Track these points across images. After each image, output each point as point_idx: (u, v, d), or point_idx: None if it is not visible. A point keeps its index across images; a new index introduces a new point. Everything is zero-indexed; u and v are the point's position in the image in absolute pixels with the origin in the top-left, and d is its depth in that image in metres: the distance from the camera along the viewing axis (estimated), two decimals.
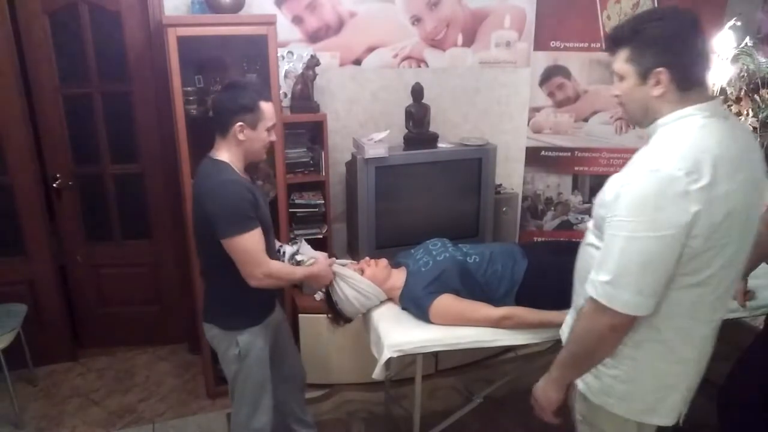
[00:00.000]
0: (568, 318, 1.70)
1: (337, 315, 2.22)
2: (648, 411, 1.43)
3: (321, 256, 2.16)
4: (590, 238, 1.44)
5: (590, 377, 1.45)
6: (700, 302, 1.33)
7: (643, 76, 1.29)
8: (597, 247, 1.37)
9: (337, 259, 2.22)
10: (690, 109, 1.28)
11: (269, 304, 2.03)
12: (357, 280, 2.14)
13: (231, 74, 2.69)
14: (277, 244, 2.14)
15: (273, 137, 1.89)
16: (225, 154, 1.84)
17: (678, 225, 1.20)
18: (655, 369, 1.40)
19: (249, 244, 1.76)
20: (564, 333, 1.69)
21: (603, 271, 1.28)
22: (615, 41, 1.34)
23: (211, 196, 1.77)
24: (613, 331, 1.32)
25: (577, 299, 1.51)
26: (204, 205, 1.78)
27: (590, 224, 1.46)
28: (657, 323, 1.34)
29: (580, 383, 1.48)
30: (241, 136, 1.81)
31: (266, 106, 1.82)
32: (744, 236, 1.32)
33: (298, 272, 1.99)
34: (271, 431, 2.06)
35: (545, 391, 1.49)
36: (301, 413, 2.30)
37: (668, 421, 1.45)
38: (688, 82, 1.28)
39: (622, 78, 1.34)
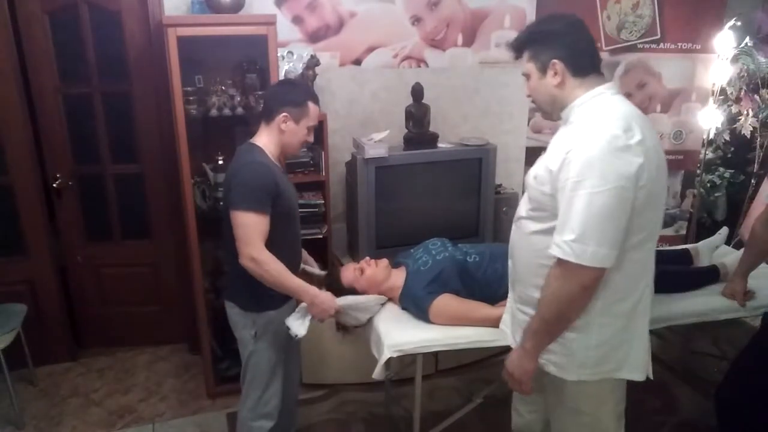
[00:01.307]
0: (506, 317, 1.81)
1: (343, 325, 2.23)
2: (618, 368, 1.54)
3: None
4: (530, 226, 1.53)
5: (563, 357, 1.53)
6: (648, 257, 1.50)
7: (543, 70, 1.50)
8: (539, 232, 1.49)
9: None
10: (600, 88, 1.47)
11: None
12: (360, 303, 2.14)
13: (231, 74, 2.69)
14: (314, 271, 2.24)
15: (311, 138, 1.99)
16: (264, 139, 1.96)
17: (628, 176, 1.34)
18: (621, 327, 1.51)
19: (248, 221, 1.83)
20: (506, 332, 1.80)
21: (566, 231, 1.36)
22: (517, 47, 1.54)
23: (238, 173, 1.88)
24: (584, 289, 1.40)
25: (523, 291, 1.60)
26: (230, 182, 1.90)
27: (525, 212, 1.56)
28: (620, 284, 1.45)
29: (552, 369, 1.55)
30: (283, 126, 1.93)
31: (313, 107, 1.95)
32: (664, 193, 1.50)
33: (287, 276, 1.90)
34: (278, 417, 2.11)
35: (521, 363, 1.55)
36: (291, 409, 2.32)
37: (638, 374, 1.56)
38: (582, 70, 1.47)
39: (528, 77, 1.54)
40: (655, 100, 3.53)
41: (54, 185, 2.99)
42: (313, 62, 2.78)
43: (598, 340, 1.50)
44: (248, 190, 1.84)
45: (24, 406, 2.79)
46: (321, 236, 2.85)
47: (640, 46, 3.39)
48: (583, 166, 1.34)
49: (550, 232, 1.46)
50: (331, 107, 2.98)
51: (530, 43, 1.51)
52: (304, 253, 2.27)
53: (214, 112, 2.60)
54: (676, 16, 3.37)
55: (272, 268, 1.86)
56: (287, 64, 2.86)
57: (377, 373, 2.01)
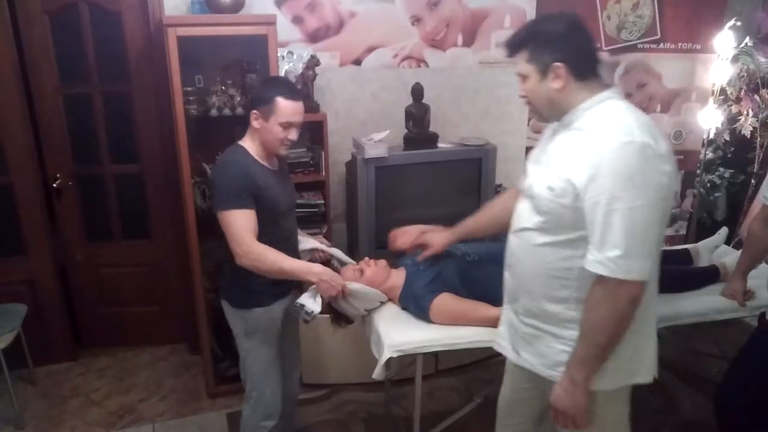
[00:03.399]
0: (503, 330, 1.72)
1: (338, 317, 2.22)
2: (636, 372, 1.51)
3: (319, 245, 2.25)
4: (539, 238, 1.47)
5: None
6: (658, 260, 1.45)
7: (543, 72, 1.43)
8: (552, 244, 1.44)
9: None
10: (606, 93, 1.42)
11: (282, 288, 2.06)
12: (362, 291, 2.14)
13: (231, 74, 2.69)
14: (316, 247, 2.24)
15: (291, 135, 1.93)
16: (247, 139, 1.98)
17: (664, 186, 1.32)
18: (642, 333, 1.48)
19: (231, 221, 1.85)
20: (503, 346, 1.71)
21: (608, 247, 1.31)
22: (514, 46, 1.48)
23: (213, 174, 1.93)
24: (633, 303, 1.35)
25: (532, 303, 1.54)
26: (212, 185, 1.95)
27: (533, 224, 1.49)
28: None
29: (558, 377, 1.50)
30: (255, 124, 1.92)
31: (284, 103, 1.89)
32: None
33: (286, 262, 1.91)
34: (281, 412, 2.14)
35: (574, 398, 1.45)
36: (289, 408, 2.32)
37: (648, 377, 1.54)
38: (584, 74, 1.42)
39: (525, 78, 1.48)
40: (655, 100, 3.53)
41: (54, 185, 2.99)
42: (313, 62, 2.78)
43: (633, 350, 1.46)
44: (223, 190, 1.86)
45: (24, 406, 2.79)
46: (321, 236, 2.85)
47: (640, 46, 3.39)
48: (620, 180, 1.29)
49: (563, 244, 1.42)
50: (331, 107, 2.98)
51: (530, 43, 1.44)
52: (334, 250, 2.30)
53: (214, 112, 2.60)
54: (676, 16, 3.37)
55: (269, 258, 1.87)
56: (287, 64, 2.86)
57: (377, 373, 2.01)
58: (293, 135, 1.94)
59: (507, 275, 1.65)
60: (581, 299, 1.43)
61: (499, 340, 1.73)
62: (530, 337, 1.57)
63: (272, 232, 1.93)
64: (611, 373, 1.46)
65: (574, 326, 1.45)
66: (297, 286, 2.13)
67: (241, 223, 1.85)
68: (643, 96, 3.50)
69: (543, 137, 1.60)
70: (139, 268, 3.20)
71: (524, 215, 1.53)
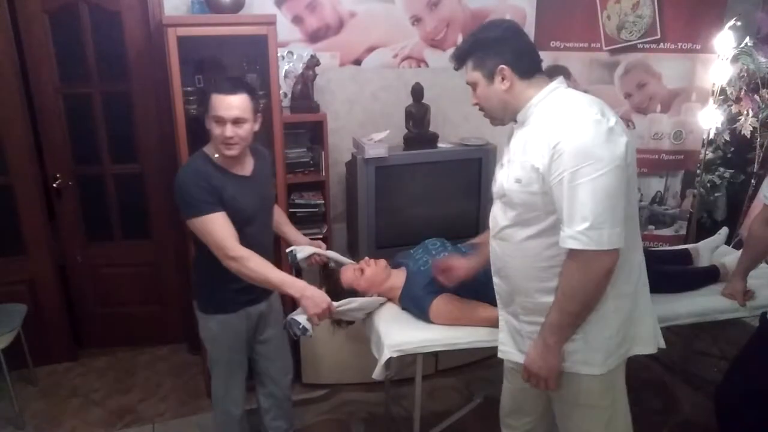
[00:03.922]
0: (503, 336, 1.73)
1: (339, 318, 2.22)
2: (631, 348, 1.58)
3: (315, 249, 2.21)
4: (519, 233, 1.53)
5: (586, 353, 1.52)
6: (634, 233, 1.52)
7: (490, 76, 1.51)
8: (532, 237, 1.50)
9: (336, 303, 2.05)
10: (553, 84, 1.51)
11: (249, 295, 2.02)
12: (359, 306, 2.12)
13: (231, 74, 2.69)
14: (293, 242, 2.20)
15: (226, 132, 1.79)
16: (211, 145, 1.91)
17: (620, 155, 1.37)
18: (631, 307, 1.54)
19: (204, 227, 1.82)
20: (509, 351, 1.71)
21: (577, 221, 1.37)
22: (459, 58, 1.55)
23: (176, 182, 1.88)
24: (606, 274, 1.41)
25: (527, 301, 1.58)
26: None
27: (508, 221, 1.54)
28: (621, 264, 1.44)
29: (580, 368, 1.54)
30: (208, 126, 1.86)
31: (215, 97, 1.78)
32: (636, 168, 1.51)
33: (272, 273, 1.83)
34: (241, 414, 2.18)
35: (545, 360, 1.53)
36: (280, 409, 2.33)
37: (650, 347, 1.61)
38: (528, 71, 1.50)
39: (475, 85, 1.55)
40: (655, 100, 3.52)
41: (54, 185, 2.99)
42: (313, 62, 2.78)
43: (617, 325, 1.52)
44: (183, 198, 1.84)
45: (24, 406, 2.79)
46: (321, 236, 2.85)
47: (640, 46, 3.39)
48: (578, 155, 1.36)
49: (543, 233, 1.47)
50: (331, 107, 2.98)
51: (473, 52, 1.53)
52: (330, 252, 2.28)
53: None
54: (676, 17, 3.37)
55: (253, 263, 1.81)
56: (287, 64, 2.87)
57: (377, 373, 2.00)
58: (228, 131, 1.78)
59: (496, 281, 1.69)
60: None
61: (502, 346, 1.74)
62: (534, 334, 1.58)
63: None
64: (613, 352, 1.53)
65: None
66: (269, 292, 2.09)
67: (218, 227, 1.81)
68: (643, 96, 3.50)
69: (505, 143, 1.64)
70: (139, 268, 3.20)
71: (499, 216, 1.59)
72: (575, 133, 1.38)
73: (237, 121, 1.80)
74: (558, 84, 1.52)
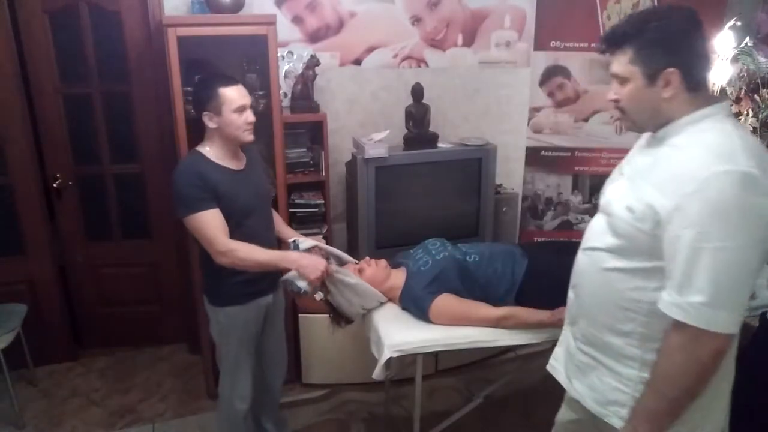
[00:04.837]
0: (559, 351, 1.56)
1: (338, 316, 2.22)
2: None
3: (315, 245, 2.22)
4: (610, 261, 1.31)
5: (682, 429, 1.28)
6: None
7: (651, 77, 1.23)
8: (623, 270, 1.28)
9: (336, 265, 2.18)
10: (711, 108, 1.23)
11: (257, 287, 2.06)
12: (361, 288, 2.13)
13: (231, 74, 2.68)
14: (294, 237, 2.20)
15: (249, 117, 1.93)
16: (205, 143, 1.98)
17: (765, 227, 1.12)
18: (722, 387, 1.33)
19: (197, 224, 1.88)
20: (556, 368, 1.56)
21: (692, 291, 1.13)
22: (614, 41, 1.26)
23: (172, 181, 1.94)
24: (716, 358, 1.17)
25: (590, 331, 1.40)
26: None
27: (604, 244, 1.33)
28: None
29: None
30: (212, 124, 1.92)
31: (227, 90, 1.89)
32: None
33: (261, 254, 1.92)
34: (247, 410, 2.18)
35: None
36: (269, 410, 2.38)
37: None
38: (697, 83, 1.23)
39: (624, 81, 1.27)
40: None
41: (54, 185, 2.99)
42: (313, 62, 2.78)
43: (725, 411, 1.32)
44: (178, 197, 1.89)
45: (24, 406, 2.79)
46: (321, 236, 2.85)
47: None
48: (714, 214, 1.10)
49: (635, 273, 1.27)
50: (331, 107, 2.98)
51: (637, 40, 1.23)
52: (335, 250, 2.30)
53: None
54: None
55: (242, 252, 1.89)
56: (287, 64, 2.87)
57: (377, 373, 2.01)
58: (251, 116, 1.94)
59: (571, 294, 1.50)
60: (647, 336, 1.28)
61: (553, 362, 1.58)
62: (585, 367, 1.43)
63: (237, 233, 1.93)
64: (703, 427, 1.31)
65: (634, 365, 1.32)
66: (276, 286, 2.16)
67: (209, 224, 1.87)
68: None
69: (634, 147, 1.42)
70: (139, 268, 3.20)
71: (597, 233, 1.37)
72: (715, 184, 1.10)
73: (249, 106, 1.95)
74: (718, 110, 1.23)
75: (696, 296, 1.13)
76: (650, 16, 1.24)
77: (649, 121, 1.30)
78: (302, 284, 1.97)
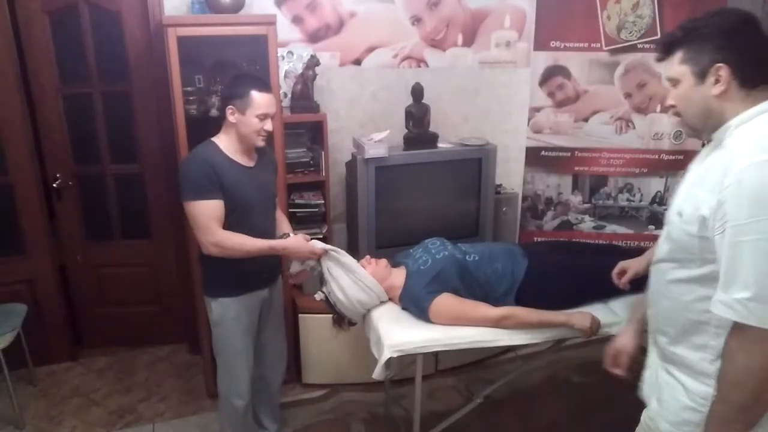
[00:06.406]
0: (648, 374, 1.47)
1: (340, 317, 2.22)
2: None
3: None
4: (671, 272, 1.29)
5: None
6: None
7: (701, 75, 1.21)
8: (684, 281, 1.26)
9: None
10: (763, 105, 1.19)
11: (252, 279, 2.11)
12: (359, 273, 2.14)
13: (231, 74, 2.69)
14: (286, 231, 2.23)
15: (268, 126, 2.00)
16: (221, 135, 2.04)
17: None
18: None
19: (197, 211, 1.93)
20: (644, 390, 1.45)
21: (736, 286, 1.10)
22: (668, 45, 1.26)
23: (180, 166, 2.03)
24: None
25: (668, 348, 1.34)
26: None
27: (665, 253, 1.31)
28: None
29: None
30: (231, 119, 1.98)
31: (258, 96, 1.96)
32: None
33: (249, 243, 1.98)
34: (246, 406, 2.20)
35: None
36: (269, 409, 2.40)
37: None
38: (752, 79, 1.19)
39: (676, 83, 1.26)
40: (655, 100, 3.52)
41: (54, 185, 2.99)
42: (313, 62, 2.78)
43: None
44: (185, 182, 1.95)
45: (24, 406, 2.79)
46: (321, 236, 2.85)
47: (640, 46, 3.38)
48: (751, 206, 1.07)
49: (696, 281, 1.23)
50: (331, 107, 2.98)
51: (688, 41, 1.22)
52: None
53: (214, 112, 2.60)
54: (676, 17, 3.36)
55: (233, 242, 1.95)
56: (287, 64, 2.87)
57: (377, 373, 2.01)
58: (269, 126, 2.00)
59: (648, 312, 1.45)
60: (720, 350, 1.21)
61: (643, 384, 1.50)
62: (665, 385, 1.36)
63: (237, 228, 1.98)
64: None
65: (709, 383, 1.24)
66: (273, 281, 2.22)
67: (205, 213, 1.92)
68: (643, 96, 3.50)
69: (696, 157, 1.37)
70: (139, 268, 3.20)
71: (659, 244, 1.36)
72: (752, 175, 1.08)
73: (272, 117, 2.03)
74: None
75: (741, 292, 1.09)
76: (702, 16, 1.24)
77: (703, 123, 1.27)
78: (295, 265, 2.07)
